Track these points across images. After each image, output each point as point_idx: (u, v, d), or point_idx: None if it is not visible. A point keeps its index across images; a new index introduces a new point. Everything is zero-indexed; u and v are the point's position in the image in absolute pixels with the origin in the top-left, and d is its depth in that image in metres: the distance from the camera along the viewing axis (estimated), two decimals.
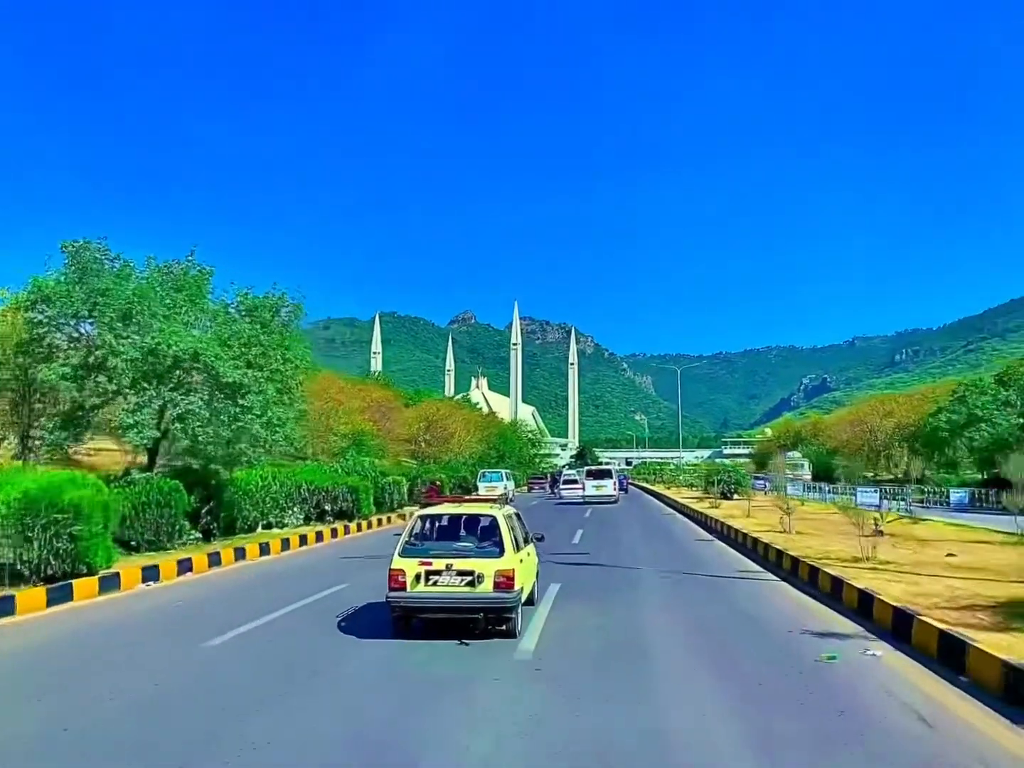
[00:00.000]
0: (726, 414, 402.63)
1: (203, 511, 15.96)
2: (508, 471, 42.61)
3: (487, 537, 8.37)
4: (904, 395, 64.61)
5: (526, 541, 9.12)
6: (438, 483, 29.84)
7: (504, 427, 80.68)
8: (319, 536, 19.00)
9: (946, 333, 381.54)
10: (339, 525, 21.14)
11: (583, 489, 35.93)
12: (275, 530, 19.25)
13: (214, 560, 14.07)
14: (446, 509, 8.87)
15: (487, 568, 7.68)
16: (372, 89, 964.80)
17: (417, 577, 7.68)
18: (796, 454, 63.52)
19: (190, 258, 17.17)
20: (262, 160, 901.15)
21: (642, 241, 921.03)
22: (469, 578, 7.63)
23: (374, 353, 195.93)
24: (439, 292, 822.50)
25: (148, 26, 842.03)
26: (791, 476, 57.00)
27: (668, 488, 53.46)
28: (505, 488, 35.54)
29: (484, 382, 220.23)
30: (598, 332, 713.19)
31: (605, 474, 36.26)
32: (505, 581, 7.65)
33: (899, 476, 61.20)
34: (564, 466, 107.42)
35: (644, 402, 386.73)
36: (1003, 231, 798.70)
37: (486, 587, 7.62)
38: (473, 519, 8.84)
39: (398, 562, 7.79)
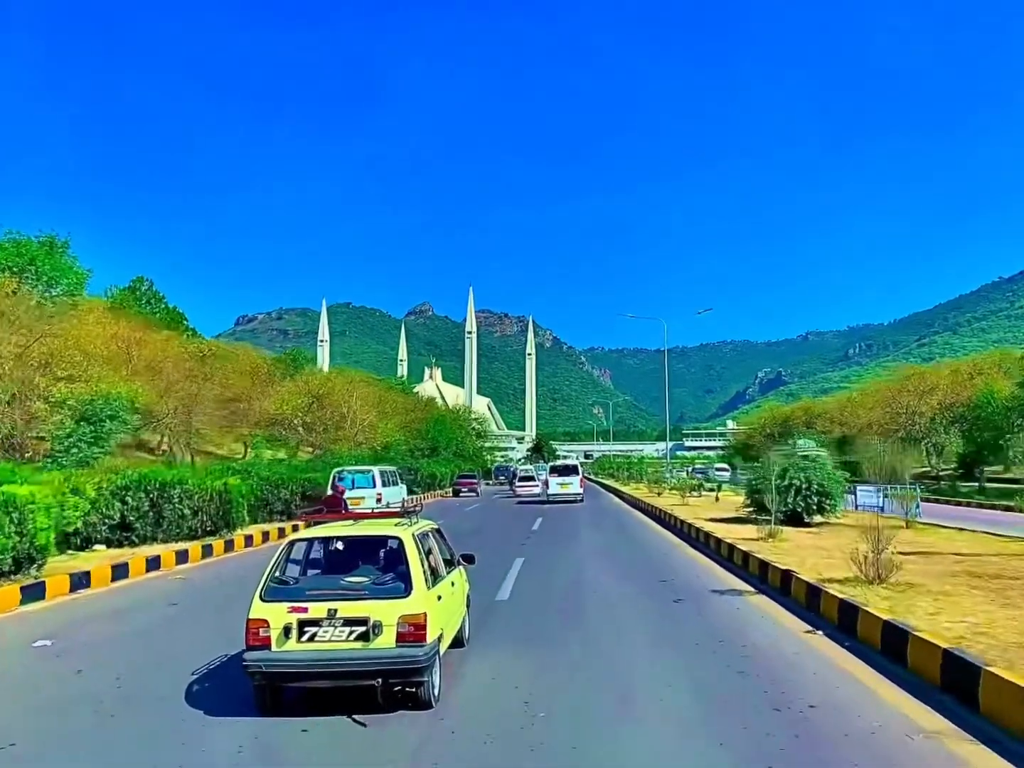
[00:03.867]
0: (682, 407, 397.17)
1: None
2: (395, 469, 26.40)
3: (389, 568, 5.79)
4: (943, 366, 52.09)
5: (450, 564, 6.61)
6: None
7: (441, 413, 65.27)
8: None
9: (897, 328, 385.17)
10: None
11: (545, 487, 33.64)
12: None
13: None
14: (330, 530, 6.17)
15: (387, 613, 5.18)
16: (337, 78, 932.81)
17: (287, 630, 5.15)
18: (810, 442, 49.55)
19: None
20: (218, 148, 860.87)
21: (600, 236, 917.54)
22: (361, 628, 5.15)
23: (320, 342, 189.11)
24: (396, 284, 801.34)
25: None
26: None
27: (659, 495, 33.98)
28: (378, 497, 20.67)
29: (438, 373, 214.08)
30: (556, 326, 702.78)
31: (571, 470, 33.61)
32: (413, 631, 5.19)
33: (939, 471, 48.49)
34: (520, 459, 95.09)
35: (602, 395, 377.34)
36: (950, 229, 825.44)
37: (386, 640, 5.15)
38: (370, 543, 6.20)
39: (259, 609, 5.21)
